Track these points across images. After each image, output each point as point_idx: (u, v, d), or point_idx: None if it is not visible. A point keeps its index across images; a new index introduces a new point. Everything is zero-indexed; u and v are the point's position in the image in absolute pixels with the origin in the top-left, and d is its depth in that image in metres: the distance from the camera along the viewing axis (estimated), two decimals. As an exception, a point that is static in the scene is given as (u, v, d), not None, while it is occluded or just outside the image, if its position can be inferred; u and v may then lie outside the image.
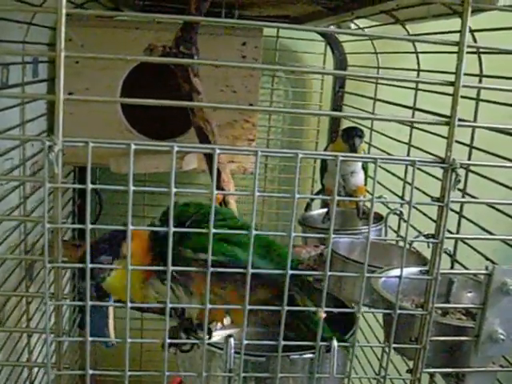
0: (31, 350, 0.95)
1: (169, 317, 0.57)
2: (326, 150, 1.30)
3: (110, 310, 0.97)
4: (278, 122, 1.52)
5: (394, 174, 1.17)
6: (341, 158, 0.56)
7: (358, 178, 1.22)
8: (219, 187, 0.88)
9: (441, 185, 0.59)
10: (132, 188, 0.53)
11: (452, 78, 0.57)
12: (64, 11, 0.51)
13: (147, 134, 1.26)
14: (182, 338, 0.69)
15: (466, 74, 0.57)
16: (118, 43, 1.18)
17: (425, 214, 0.95)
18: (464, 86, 0.57)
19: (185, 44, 0.80)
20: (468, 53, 0.57)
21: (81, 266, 0.54)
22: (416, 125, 1.12)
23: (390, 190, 1.21)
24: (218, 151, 0.54)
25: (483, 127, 0.69)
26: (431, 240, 0.61)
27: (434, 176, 0.84)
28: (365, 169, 1.23)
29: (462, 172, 0.59)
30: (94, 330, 0.92)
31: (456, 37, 0.57)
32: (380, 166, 1.17)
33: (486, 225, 0.90)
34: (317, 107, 1.51)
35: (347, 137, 1.16)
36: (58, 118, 0.52)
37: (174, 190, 0.54)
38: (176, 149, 0.53)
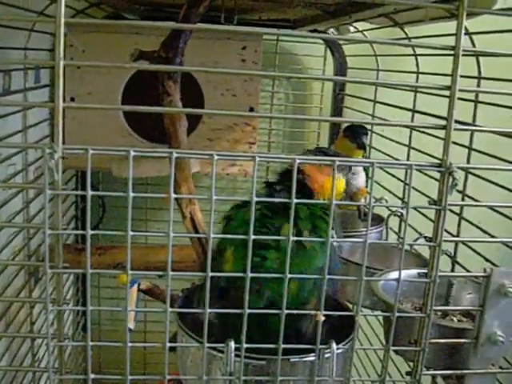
0: (34, 354, 0.96)
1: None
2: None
3: (133, 295, 0.98)
4: (278, 125, 1.53)
5: (394, 176, 1.17)
6: (338, 163, 0.57)
7: (360, 180, 1.22)
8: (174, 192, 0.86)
9: (438, 188, 0.60)
10: (132, 194, 0.54)
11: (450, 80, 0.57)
12: (63, 20, 0.51)
13: (149, 138, 1.27)
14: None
15: (464, 77, 0.57)
16: (119, 48, 1.18)
17: (425, 216, 0.96)
18: (460, 90, 0.58)
19: (164, 48, 0.82)
20: (466, 55, 0.57)
21: (81, 271, 0.55)
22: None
23: (392, 192, 1.21)
24: (216, 157, 0.55)
25: (480, 130, 0.69)
26: (429, 243, 0.61)
27: (434, 178, 0.84)
28: (366, 170, 1.23)
29: (461, 174, 0.59)
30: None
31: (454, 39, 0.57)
32: (381, 168, 1.17)
33: (487, 226, 0.90)
34: (317, 109, 1.52)
35: (354, 136, 1.16)
36: (57, 126, 0.53)
37: (173, 195, 0.54)
38: (175, 155, 0.54)
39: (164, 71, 0.84)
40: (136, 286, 0.97)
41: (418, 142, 1.13)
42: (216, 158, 0.54)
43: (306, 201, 0.69)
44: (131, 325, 0.91)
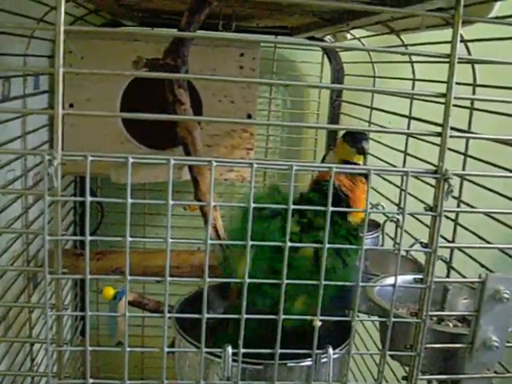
0: (33, 358, 0.96)
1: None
2: (324, 158, 1.31)
3: (121, 306, 0.98)
4: (276, 131, 1.53)
5: (390, 182, 1.18)
6: (335, 170, 0.58)
7: (358, 186, 1.22)
8: (197, 198, 0.87)
9: (434, 194, 0.60)
10: (130, 200, 0.54)
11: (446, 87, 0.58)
12: (62, 28, 0.52)
13: (148, 144, 1.27)
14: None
15: (459, 84, 0.58)
16: (118, 55, 1.19)
17: (421, 222, 0.96)
18: (456, 98, 0.58)
19: (172, 56, 0.81)
20: (461, 63, 0.58)
21: (80, 277, 0.55)
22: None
23: (388, 198, 1.22)
24: (214, 164, 0.55)
25: (476, 137, 0.69)
26: (425, 249, 0.62)
27: (430, 184, 0.85)
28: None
29: (457, 180, 0.60)
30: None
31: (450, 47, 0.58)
32: (377, 175, 1.18)
33: (483, 231, 0.90)
34: (314, 116, 1.52)
35: (354, 141, 1.15)
36: (57, 133, 0.53)
37: (171, 202, 0.55)
38: (172, 162, 0.54)
39: (173, 80, 0.84)
40: (124, 298, 0.97)
41: (415, 149, 1.14)
42: (214, 164, 0.55)
43: (302, 207, 0.70)
44: (121, 338, 0.92)
